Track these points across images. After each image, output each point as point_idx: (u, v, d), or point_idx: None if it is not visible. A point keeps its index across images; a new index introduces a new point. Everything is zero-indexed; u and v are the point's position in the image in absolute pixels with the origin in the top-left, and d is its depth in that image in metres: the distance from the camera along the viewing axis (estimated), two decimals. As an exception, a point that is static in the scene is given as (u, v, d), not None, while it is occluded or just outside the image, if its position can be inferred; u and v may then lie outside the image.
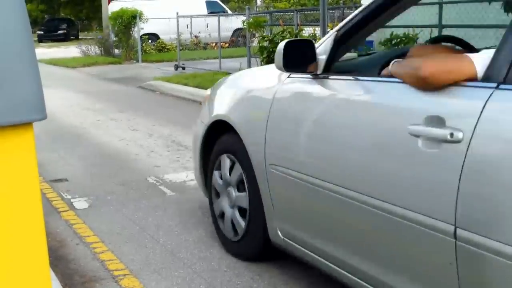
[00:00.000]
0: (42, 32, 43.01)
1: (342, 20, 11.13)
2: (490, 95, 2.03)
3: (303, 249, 3.10)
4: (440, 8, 8.45)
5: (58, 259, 3.82)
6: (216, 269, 3.60)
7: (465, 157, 2.04)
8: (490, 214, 1.97)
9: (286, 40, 2.99)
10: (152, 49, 22.29)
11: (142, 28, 20.19)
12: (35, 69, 1.93)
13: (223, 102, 3.76)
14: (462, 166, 2.05)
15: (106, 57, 21.42)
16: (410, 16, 10.59)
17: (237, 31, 22.97)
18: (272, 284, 3.38)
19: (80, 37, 39.33)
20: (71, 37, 42.96)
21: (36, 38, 40.32)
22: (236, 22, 21.13)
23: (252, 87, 3.61)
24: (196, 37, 22.16)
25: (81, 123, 8.65)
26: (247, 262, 3.66)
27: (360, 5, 10.75)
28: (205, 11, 23.66)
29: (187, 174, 5.64)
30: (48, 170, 5.97)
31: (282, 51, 2.94)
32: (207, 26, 20.85)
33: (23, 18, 1.90)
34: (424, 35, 8.82)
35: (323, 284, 3.35)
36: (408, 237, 2.31)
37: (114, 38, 21.59)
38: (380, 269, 2.52)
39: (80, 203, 4.94)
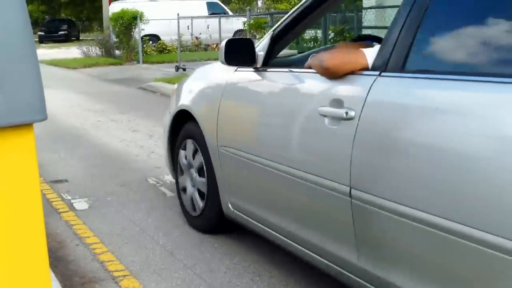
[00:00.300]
0: (43, 33, 43.06)
1: (344, 22, 11.15)
2: (374, 81, 2.53)
3: (250, 219, 3.58)
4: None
5: (58, 260, 3.82)
6: (216, 270, 3.60)
7: (356, 131, 2.53)
8: (375, 176, 2.43)
9: (227, 39, 3.54)
10: (153, 50, 22.30)
11: (143, 29, 20.20)
12: (36, 70, 1.93)
13: (186, 94, 4.26)
14: (354, 138, 2.54)
15: (107, 58, 21.43)
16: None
17: (238, 33, 22.99)
18: (272, 285, 3.38)
19: (81, 38, 39.37)
20: (72, 38, 43.01)
21: (37, 39, 40.36)
22: (237, 23, 21.16)
23: (209, 80, 4.09)
24: (197, 38, 22.18)
25: (82, 124, 8.65)
26: (246, 263, 3.66)
27: (362, 7, 10.76)
28: (206, 13, 23.69)
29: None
30: (49, 171, 5.97)
31: (223, 48, 3.44)
32: (208, 28, 20.88)
33: (24, 19, 1.90)
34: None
35: (323, 285, 3.35)
36: (320, 200, 2.80)
37: (115, 39, 21.60)
38: (306, 231, 3.01)
39: (80, 204, 4.94)
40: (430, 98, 2.26)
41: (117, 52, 21.98)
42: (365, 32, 13.08)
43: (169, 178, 5.58)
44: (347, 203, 2.59)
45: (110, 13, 22.13)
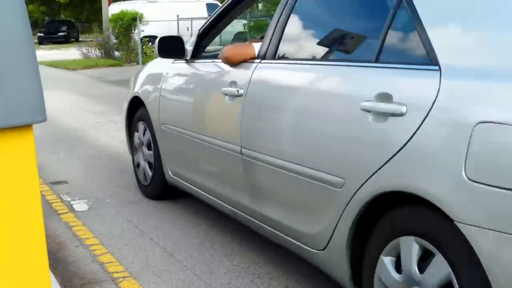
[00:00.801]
0: (42, 34, 43.05)
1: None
2: (256, 66, 3.42)
3: (183, 182, 4.41)
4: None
5: (58, 261, 3.81)
6: (216, 271, 3.59)
7: (243, 105, 3.40)
8: (256, 138, 3.31)
9: (160, 37, 4.42)
10: (153, 51, 22.28)
11: (143, 31, 20.20)
12: (35, 71, 1.93)
13: (138, 83, 5.06)
14: (242, 110, 3.40)
15: (107, 59, 21.42)
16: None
17: (238, 35, 22.98)
18: (272, 286, 3.38)
19: (80, 39, 39.37)
20: (72, 39, 43.02)
21: (37, 40, 40.36)
22: (237, 25, 21.16)
23: (154, 71, 4.90)
24: (196, 39, 22.18)
25: (81, 126, 8.65)
26: (246, 264, 3.66)
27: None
28: (205, 14, 23.68)
29: (187, 177, 5.64)
30: (48, 172, 5.97)
31: (157, 44, 4.34)
32: (207, 29, 20.86)
33: (24, 20, 1.90)
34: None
35: (323, 286, 3.35)
36: (224, 159, 3.68)
37: (115, 40, 21.59)
38: (218, 185, 3.90)
39: (80, 205, 4.94)
40: (290, 77, 3.21)
41: (116, 53, 21.97)
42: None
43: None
44: (239, 159, 3.45)
45: (109, 14, 22.13)
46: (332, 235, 2.79)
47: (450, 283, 2.20)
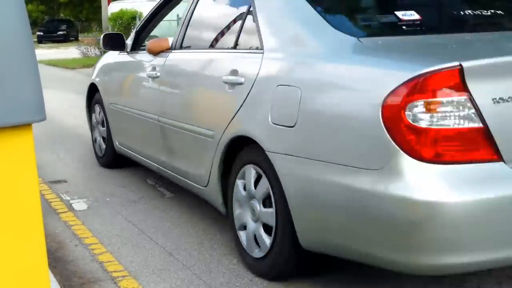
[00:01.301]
0: (41, 33, 43.04)
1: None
2: (168, 55, 4.57)
3: (127, 150, 5.46)
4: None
5: (57, 260, 3.81)
6: (215, 271, 3.59)
7: (159, 84, 4.58)
8: (166, 107, 4.46)
9: (104, 34, 5.60)
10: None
11: (142, 30, 20.14)
12: (34, 70, 1.93)
13: (94, 72, 6.22)
14: (159, 88, 4.59)
15: (106, 58, 21.37)
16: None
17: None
18: (271, 285, 3.38)
19: (79, 38, 39.34)
20: (71, 38, 43.00)
21: (36, 39, 40.34)
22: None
23: (105, 61, 6.04)
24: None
25: (81, 125, 8.63)
26: (245, 265, 3.66)
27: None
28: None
29: (187, 176, 5.64)
30: (47, 171, 5.97)
31: (101, 39, 5.52)
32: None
33: (23, 19, 1.90)
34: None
35: (322, 284, 3.34)
36: (150, 126, 4.78)
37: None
38: (147, 148, 5.01)
39: (79, 205, 4.94)
40: (186, 61, 4.44)
41: (116, 52, 21.92)
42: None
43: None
44: (158, 125, 4.60)
45: (109, 13, 22.10)
46: (210, 174, 3.88)
47: (269, 194, 3.32)
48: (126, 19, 20.21)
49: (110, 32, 5.53)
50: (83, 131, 8.11)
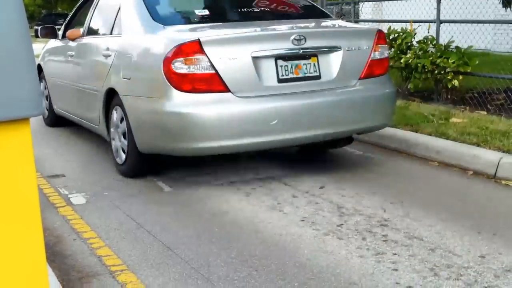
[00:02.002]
0: (39, 27, 42.87)
1: (341, 16, 11.01)
2: (79, 40, 6.68)
3: (62, 111, 7.40)
4: (438, 3, 8.43)
5: (55, 255, 3.81)
6: (214, 264, 3.60)
7: (73, 61, 6.83)
8: (79, 76, 6.61)
9: (40, 27, 7.56)
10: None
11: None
12: (32, 65, 1.92)
13: (40, 56, 8.15)
14: (73, 63, 6.78)
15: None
16: (408, 11, 10.58)
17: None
18: (269, 279, 3.38)
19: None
20: (69, 32, 42.79)
21: (33, 33, 40.21)
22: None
23: (46, 47, 8.05)
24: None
25: (79, 119, 8.63)
26: (244, 257, 3.66)
27: (359, 0, 10.73)
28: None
29: (185, 170, 5.63)
30: (45, 166, 5.96)
31: (38, 30, 7.45)
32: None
33: (20, 13, 1.89)
34: (421, 30, 8.82)
35: (321, 278, 3.35)
36: (73, 91, 6.75)
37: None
38: (79, 110, 6.75)
39: (77, 199, 4.94)
40: (85, 45, 6.53)
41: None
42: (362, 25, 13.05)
43: (166, 172, 5.57)
44: (75, 89, 6.64)
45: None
46: (99, 116, 5.89)
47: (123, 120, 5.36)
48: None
49: (45, 25, 7.78)
50: (81, 126, 8.10)
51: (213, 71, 4.69)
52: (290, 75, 5.01)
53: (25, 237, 1.97)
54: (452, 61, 7.79)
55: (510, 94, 7.61)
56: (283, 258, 3.64)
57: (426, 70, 8.09)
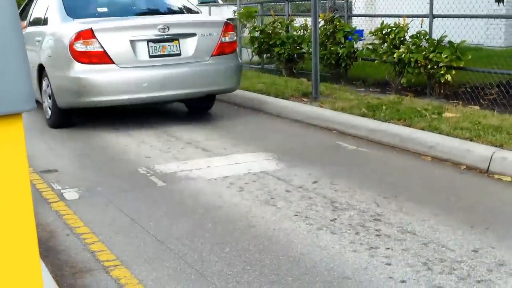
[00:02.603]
0: (31, 22, 42.72)
1: (334, 10, 10.99)
2: (25, 30, 8.68)
3: None
4: (431, -2, 8.45)
5: (48, 250, 3.81)
6: (207, 259, 3.60)
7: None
8: (41, 55, 8.07)
9: None
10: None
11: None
12: (24, 60, 1.91)
13: None
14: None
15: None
16: (401, 6, 10.59)
17: (228, 20, 22.87)
18: (263, 274, 3.39)
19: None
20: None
21: (26, 28, 40.00)
22: (227, 12, 21.03)
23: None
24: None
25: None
26: (237, 252, 3.67)
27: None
28: (195, 1, 23.57)
29: (178, 165, 5.63)
30: (38, 161, 5.95)
31: None
32: (198, 16, 20.73)
33: (12, 8, 1.88)
34: (414, 25, 8.83)
35: (315, 273, 3.36)
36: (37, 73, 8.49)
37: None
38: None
39: (71, 194, 4.92)
40: (28, 32, 8.44)
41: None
42: (354, 20, 13.07)
43: (159, 167, 5.57)
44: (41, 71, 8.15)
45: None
46: (35, 85, 7.84)
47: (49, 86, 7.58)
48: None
49: None
50: (75, 121, 8.09)
51: (102, 50, 7.02)
52: (158, 53, 7.29)
53: (18, 233, 1.96)
54: (445, 55, 7.81)
55: (502, 88, 7.63)
56: (276, 253, 3.64)
57: (419, 65, 8.11)
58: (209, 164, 5.64)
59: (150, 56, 7.20)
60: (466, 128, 5.94)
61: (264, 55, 11.83)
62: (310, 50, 8.93)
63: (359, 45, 10.11)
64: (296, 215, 4.26)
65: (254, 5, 13.40)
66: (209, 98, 8.12)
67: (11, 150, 1.92)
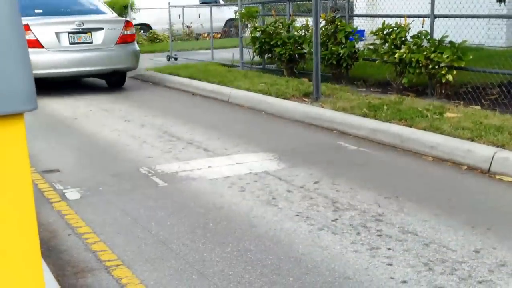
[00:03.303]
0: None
1: (335, 10, 11.01)
2: None
3: None
4: (432, -1, 8.44)
5: (50, 250, 3.81)
6: (209, 259, 3.60)
7: None
8: None
9: None
10: (144, 39, 22.19)
11: (134, 19, 20.08)
12: (25, 59, 1.91)
13: None
14: None
15: (98, 47, 21.30)
16: (402, 6, 10.59)
17: (229, 22, 22.88)
18: (264, 274, 3.39)
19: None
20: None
21: (27, 28, 40.03)
22: (228, 12, 21.07)
23: None
24: (188, 27, 22.11)
25: (73, 114, 8.62)
26: (238, 252, 3.67)
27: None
28: (197, 1, 23.58)
29: (179, 165, 5.64)
30: (40, 161, 5.95)
31: None
32: (199, 17, 20.78)
33: (13, 7, 1.89)
34: (415, 25, 8.82)
35: (316, 274, 3.36)
36: None
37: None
38: None
39: (72, 194, 4.93)
40: None
41: (108, 41, 21.85)
42: (356, 20, 13.07)
43: (161, 167, 5.57)
44: None
45: (101, 2, 22.02)
46: None
47: None
48: (118, 8, 20.09)
49: None
50: (76, 121, 8.10)
51: (35, 38, 9.80)
52: (76, 41, 10.28)
53: (20, 233, 1.97)
54: (446, 56, 7.81)
55: (504, 88, 7.63)
56: (278, 253, 3.65)
57: (420, 65, 8.10)
58: (210, 164, 5.64)
59: (70, 43, 10.28)
60: (468, 128, 5.94)
61: (265, 55, 11.82)
62: (311, 50, 8.93)
63: (360, 45, 10.12)
64: (297, 215, 4.26)
65: (255, 5, 13.40)
66: (121, 76, 11.33)
67: (13, 151, 1.92)
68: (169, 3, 16.48)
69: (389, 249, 3.67)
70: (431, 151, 5.74)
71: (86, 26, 10.42)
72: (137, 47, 11.23)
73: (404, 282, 3.26)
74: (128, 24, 11.01)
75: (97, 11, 11.66)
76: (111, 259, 3.66)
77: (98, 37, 10.48)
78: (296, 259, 3.56)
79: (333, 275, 3.35)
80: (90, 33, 10.44)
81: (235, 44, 14.89)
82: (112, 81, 11.47)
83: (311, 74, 8.49)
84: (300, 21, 11.43)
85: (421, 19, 8.87)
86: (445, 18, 9.23)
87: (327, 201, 4.55)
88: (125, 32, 10.76)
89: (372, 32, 9.36)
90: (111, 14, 11.92)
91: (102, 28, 10.52)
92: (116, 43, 10.62)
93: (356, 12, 15.94)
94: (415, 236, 3.86)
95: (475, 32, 9.58)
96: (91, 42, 10.43)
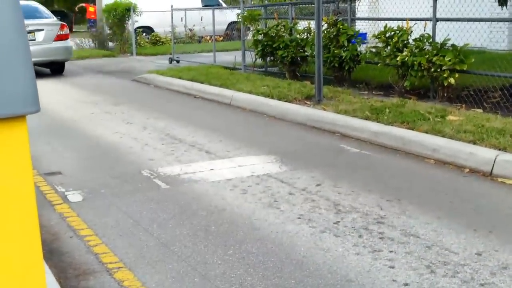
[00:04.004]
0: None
1: (337, 13, 11.00)
2: None
3: None
4: (435, 1, 8.44)
5: (52, 252, 3.81)
6: (210, 262, 3.60)
7: None
8: None
9: None
10: (147, 42, 22.19)
11: (137, 21, 20.11)
12: (28, 62, 1.92)
13: None
14: None
15: (100, 50, 21.31)
16: (404, 9, 10.59)
17: (231, 25, 22.89)
18: (266, 276, 3.39)
19: (73, 30, 39.12)
20: (65, 30, 42.75)
21: (30, 31, 40.06)
22: (230, 15, 21.06)
23: None
24: (190, 30, 22.12)
25: (75, 116, 8.63)
26: (240, 255, 3.67)
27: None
28: (199, 4, 23.58)
29: (181, 167, 5.64)
30: (42, 163, 5.96)
31: None
32: (201, 19, 20.78)
33: (16, 10, 1.89)
34: (417, 28, 8.83)
35: (318, 276, 3.36)
36: None
37: (108, 31, 21.48)
38: None
39: (74, 196, 4.93)
40: None
41: (110, 44, 21.86)
42: (358, 23, 13.08)
43: (163, 170, 5.58)
44: None
45: (103, 5, 22.01)
46: None
47: None
48: (121, 10, 20.11)
49: None
50: (78, 123, 8.11)
51: None
52: None
53: (22, 235, 1.97)
54: (448, 59, 7.81)
55: (506, 92, 7.62)
56: (280, 256, 3.65)
57: (422, 68, 8.11)
58: (212, 166, 5.65)
59: None
60: (470, 131, 5.93)
61: (268, 58, 11.84)
62: (314, 53, 8.94)
63: (362, 48, 10.12)
64: (299, 218, 4.26)
65: (257, 8, 13.41)
66: (60, 66, 14.60)
67: (16, 153, 1.92)
68: (171, 6, 16.49)
69: (391, 251, 3.67)
70: (433, 154, 5.74)
71: (30, 28, 13.22)
72: (70, 44, 14.78)
73: (406, 284, 3.26)
74: (63, 26, 14.42)
75: (41, 17, 14.67)
76: (112, 261, 3.66)
77: (40, 36, 13.81)
78: (298, 261, 3.56)
79: (335, 278, 3.35)
80: (33, 33, 13.61)
81: (237, 47, 14.90)
82: (53, 69, 14.72)
83: (313, 77, 8.50)
84: (302, 24, 11.45)
85: (423, 22, 8.87)
86: (447, 22, 9.23)
87: (329, 203, 4.55)
88: (61, 32, 14.23)
89: (374, 35, 9.36)
90: (51, 19, 14.90)
91: (42, 29, 13.88)
92: (53, 40, 14.03)
93: (358, 15, 15.94)
94: (417, 238, 3.86)
95: (477, 35, 9.58)
96: (34, 40, 13.57)
